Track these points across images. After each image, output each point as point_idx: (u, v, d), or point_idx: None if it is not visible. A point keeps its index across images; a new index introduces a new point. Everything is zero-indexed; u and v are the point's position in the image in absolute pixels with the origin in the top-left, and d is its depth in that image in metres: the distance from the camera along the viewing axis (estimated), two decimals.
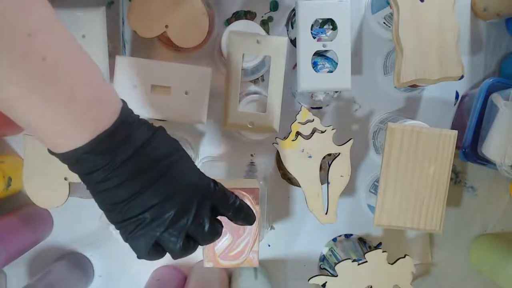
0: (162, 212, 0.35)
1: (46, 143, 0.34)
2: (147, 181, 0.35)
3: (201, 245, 0.38)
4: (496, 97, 0.55)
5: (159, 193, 0.35)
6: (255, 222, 0.42)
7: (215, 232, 0.38)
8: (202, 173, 0.39)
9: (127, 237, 0.36)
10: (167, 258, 0.38)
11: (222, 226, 0.40)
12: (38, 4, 0.31)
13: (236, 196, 0.41)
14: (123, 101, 0.36)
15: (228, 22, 0.61)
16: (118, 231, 0.37)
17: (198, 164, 0.62)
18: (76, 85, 0.32)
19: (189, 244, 0.37)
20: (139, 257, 0.37)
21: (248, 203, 0.47)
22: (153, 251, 0.36)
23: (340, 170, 0.52)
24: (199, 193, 0.37)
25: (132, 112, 0.37)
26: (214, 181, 0.39)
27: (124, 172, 0.34)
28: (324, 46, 0.52)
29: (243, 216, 0.41)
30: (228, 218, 0.41)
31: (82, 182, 0.36)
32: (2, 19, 0.28)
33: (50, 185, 0.51)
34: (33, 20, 0.30)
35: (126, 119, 0.35)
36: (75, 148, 0.33)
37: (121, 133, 0.34)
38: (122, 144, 0.34)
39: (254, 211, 0.42)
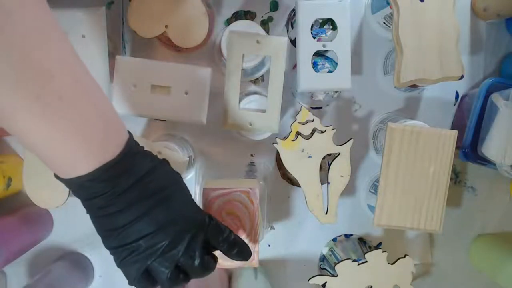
0: (156, 241, 0.36)
1: (53, 168, 0.35)
2: (145, 209, 0.36)
3: (192, 278, 0.39)
4: (496, 97, 0.55)
5: (154, 222, 0.36)
6: (251, 257, 0.43)
7: (206, 267, 0.39)
8: (199, 207, 0.40)
9: (120, 263, 0.37)
10: None
11: (216, 262, 0.40)
12: (60, 41, 0.32)
13: (231, 231, 0.41)
14: (130, 133, 0.38)
15: (228, 22, 0.61)
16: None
17: (198, 164, 0.62)
18: (90, 118, 0.33)
19: (179, 276, 0.38)
20: (129, 283, 0.38)
21: (247, 200, 0.47)
22: (144, 279, 0.37)
23: (340, 170, 0.52)
24: (193, 226, 0.38)
25: (137, 144, 0.38)
26: (209, 215, 0.40)
27: (124, 200, 0.35)
28: (324, 46, 0.52)
29: (237, 251, 0.41)
30: (223, 253, 0.41)
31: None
32: (28, 60, 0.29)
33: (50, 185, 0.51)
34: (55, 60, 0.31)
35: (131, 150, 0.36)
36: (81, 175, 0.34)
37: (125, 163, 0.35)
38: (125, 174, 0.35)
39: (250, 247, 0.43)
